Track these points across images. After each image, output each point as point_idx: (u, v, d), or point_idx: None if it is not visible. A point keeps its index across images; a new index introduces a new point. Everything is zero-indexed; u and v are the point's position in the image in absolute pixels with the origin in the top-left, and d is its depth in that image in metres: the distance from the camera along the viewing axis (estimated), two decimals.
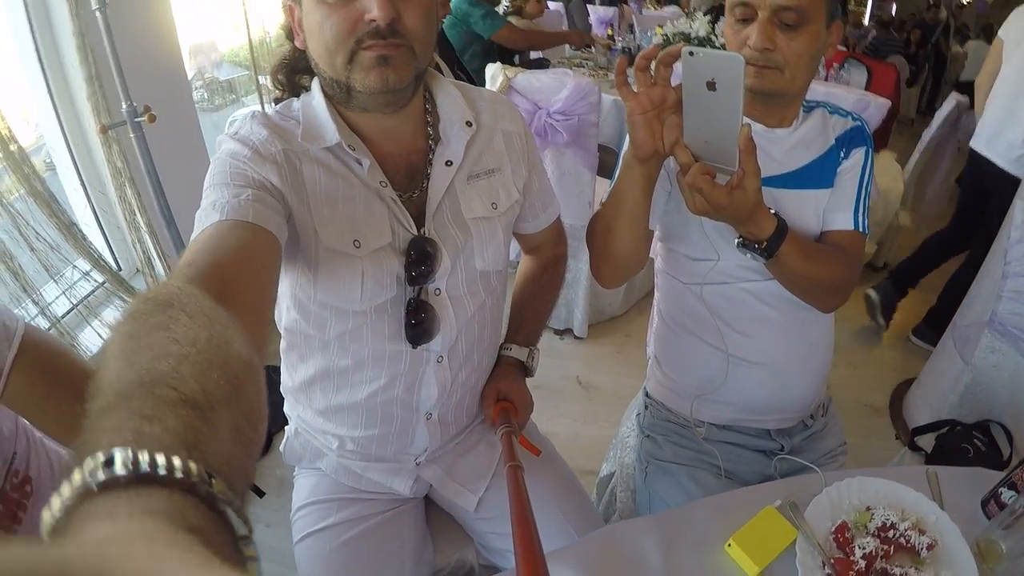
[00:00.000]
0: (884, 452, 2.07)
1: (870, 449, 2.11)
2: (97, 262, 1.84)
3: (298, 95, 0.88)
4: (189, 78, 2.39)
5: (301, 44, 0.84)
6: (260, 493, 1.58)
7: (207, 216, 0.69)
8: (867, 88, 2.92)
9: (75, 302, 1.85)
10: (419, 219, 0.88)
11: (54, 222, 1.69)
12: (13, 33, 1.76)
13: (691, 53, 0.75)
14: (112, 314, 1.96)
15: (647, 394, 1.30)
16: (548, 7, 4.26)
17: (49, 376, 0.83)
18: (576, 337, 2.60)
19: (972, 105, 2.72)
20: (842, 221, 1.06)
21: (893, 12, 10.18)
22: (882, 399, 2.39)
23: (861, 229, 1.06)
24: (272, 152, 0.80)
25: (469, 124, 0.91)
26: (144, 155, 1.79)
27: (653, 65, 0.81)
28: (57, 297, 1.80)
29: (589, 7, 4.98)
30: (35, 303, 1.69)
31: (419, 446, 1.03)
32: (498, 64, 2.15)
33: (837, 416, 1.28)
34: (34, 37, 1.77)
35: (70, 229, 1.74)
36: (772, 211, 0.90)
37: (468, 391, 1.04)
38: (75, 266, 1.85)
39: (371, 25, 0.74)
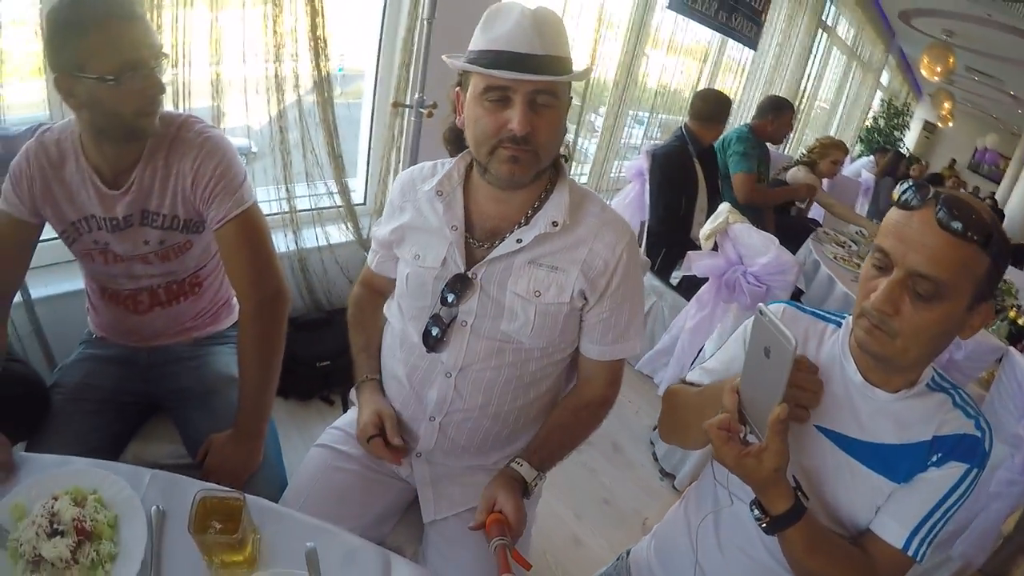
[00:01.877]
0: None
1: None
2: (343, 189, 2.38)
3: (458, 151, 1.15)
4: None
5: (460, 124, 1.07)
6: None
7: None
8: None
9: (313, 207, 2.39)
10: (475, 264, 1.09)
11: (327, 147, 2.26)
12: (373, 10, 2.37)
13: (761, 312, 0.79)
14: (335, 230, 2.49)
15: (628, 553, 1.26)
16: (843, 172, 4.08)
17: (247, 244, 1.24)
18: (674, 488, 2.38)
19: None
20: (893, 533, 0.88)
21: None
22: None
23: (911, 554, 0.87)
24: (395, 205, 1.19)
25: (555, 224, 1.06)
26: (415, 136, 2.21)
27: None
28: (302, 197, 2.34)
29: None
30: (287, 191, 2.26)
31: (422, 440, 1.18)
32: (729, 207, 2.18)
33: None
34: (383, 20, 2.36)
35: (336, 158, 2.29)
36: (795, 496, 0.85)
37: (472, 423, 1.16)
38: (326, 184, 2.38)
39: (511, 132, 0.97)
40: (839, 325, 0.98)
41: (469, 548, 1.10)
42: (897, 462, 0.89)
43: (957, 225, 0.76)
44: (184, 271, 1.33)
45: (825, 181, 3.50)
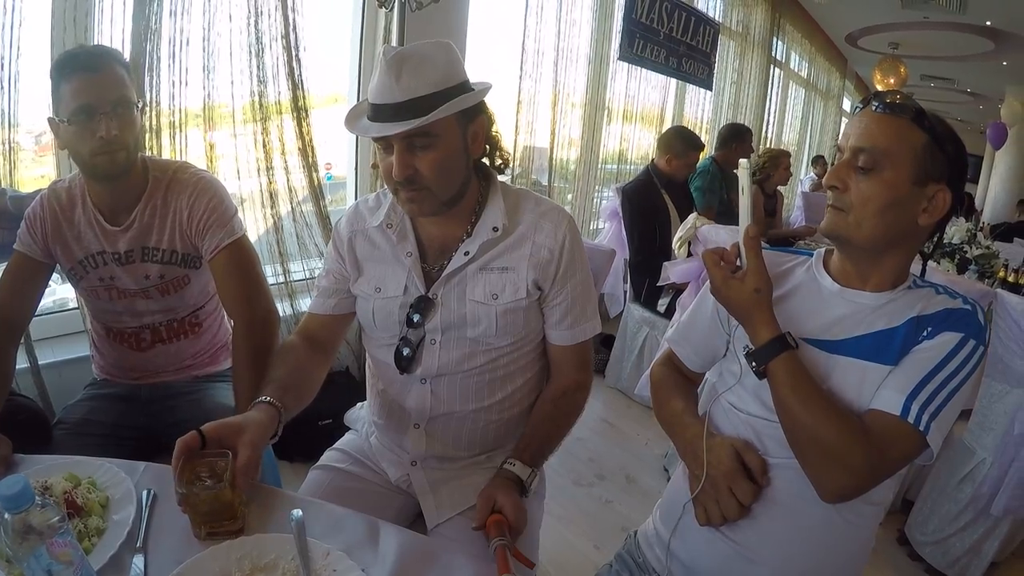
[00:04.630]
0: None
1: None
2: None
3: None
4: None
5: None
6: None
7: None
8: None
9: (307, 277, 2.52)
10: (433, 284, 1.13)
11: (323, 231, 2.43)
12: None
13: (741, 166, 0.97)
14: None
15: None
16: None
17: (239, 269, 1.33)
18: None
19: None
20: (889, 401, 0.85)
21: None
22: None
23: (912, 420, 0.82)
24: (342, 237, 1.19)
25: (495, 229, 1.11)
26: None
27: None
28: (297, 271, 2.48)
29: None
30: (283, 267, 2.39)
31: (412, 448, 1.20)
32: (696, 214, 2.29)
33: None
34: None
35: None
36: (779, 328, 0.91)
37: (456, 424, 1.18)
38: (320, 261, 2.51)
39: (394, 178, 1.01)
40: (809, 255, 1.05)
41: (473, 545, 1.09)
42: (886, 344, 0.90)
43: (884, 106, 0.89)
44: (184, 308, 1.42)
45: (799, 197, 3.63)
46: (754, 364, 0.92)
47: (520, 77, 2.97)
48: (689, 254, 2.23)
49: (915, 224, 0.91)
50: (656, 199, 2.93)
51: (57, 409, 1.66)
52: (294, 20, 2.10)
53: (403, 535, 0.89)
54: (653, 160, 3.06)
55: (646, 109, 4.09)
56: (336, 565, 0.81)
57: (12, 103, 1.65)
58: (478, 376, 1.16)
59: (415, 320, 1.13)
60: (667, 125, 4.30)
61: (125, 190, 1.28)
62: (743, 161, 0.97)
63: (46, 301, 1.39)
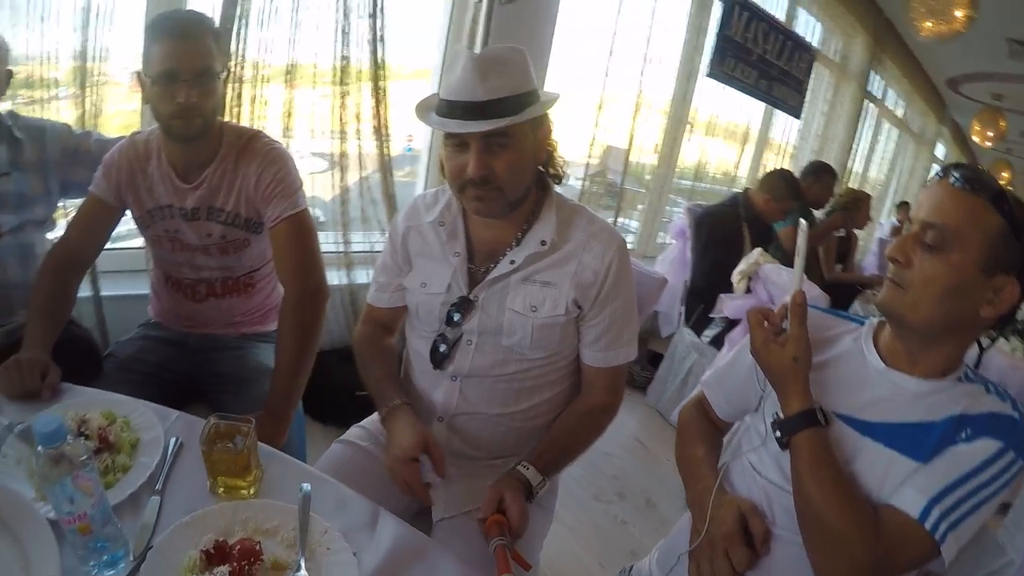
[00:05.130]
0: None
1: None
2: None
3: None
4: None
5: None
6: None
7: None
8: None
9: (368, 251, 2.58)
10: (476, 286, 1.14)
11: (387, 208, 2.47)
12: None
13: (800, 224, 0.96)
14: None
15: None
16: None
17: (297, 241, 1.38)
18: None
19: None
20: (909, 501, 0.79)
21: None
22: None
23: (929, 527, 0.77)
24: (398, 231, 1.23)
25: (543, 243, 1.12)
26: None
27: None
28: (358, 243, 2.54)
29: None
30: (344, 236, 2.46)
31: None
32: (760, 250, 2.20)
33: None
34: None
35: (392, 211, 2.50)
36: (812, 403, 0.88)
37: (478, 424, 1.19)
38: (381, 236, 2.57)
39: (469, 175, 1.03)
40: (861, 323, 1.00)
41: (474, 543, 1.10)
42: (921, 439, 0.84)
43: (962, 180, 0.83)
44: (240, 268, 1.48)
45: (876, 243, 3.42)
46: (778, 433, 0.89)
47: (605, 78, 2.94)
48: (748, 290, 2.14)
49: (976, 314, 0.84)
50: (737, 230, 2.82)
51: (112, 340, 1.79)
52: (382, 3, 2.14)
53: (401, 527, 0.91)
54: (747, 191, 2.94)
55: (730, 126, 3.95)
56: (331, 543, 0.83)
57: (96, 39, 1.72)
58: (507, 383, 1.17)
59: (455, 319, 1.14)
60: (751, 146, 4.15)
61: (198, 151, 1.35)
62: (802, 222, 0.94)
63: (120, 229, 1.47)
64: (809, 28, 4.31)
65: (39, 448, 0.69)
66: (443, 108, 1.03)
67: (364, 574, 0.81)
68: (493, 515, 1.03)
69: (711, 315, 2.40)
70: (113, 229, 1.42)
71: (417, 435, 1.07)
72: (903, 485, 0.82)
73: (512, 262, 1.12)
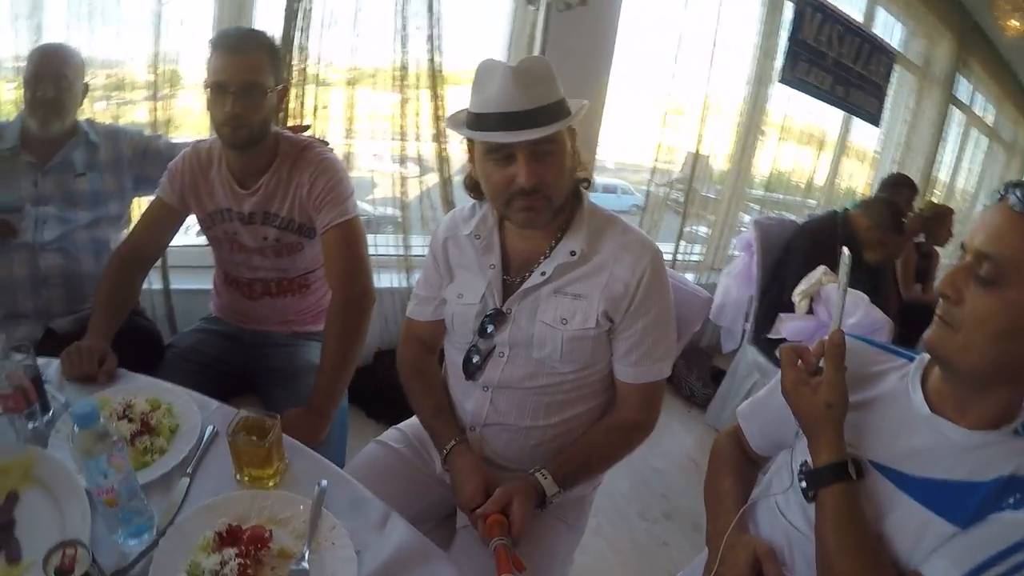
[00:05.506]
0: None
1: None
2: None
3: (483, 196, 1.18)
4: None
5: (474, 173, 1.13)
6: None
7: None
8: None
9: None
10: (509, 298, 1.14)
11: (445, 209, 2.52)
12: None
13: (843, 254, 0.86)
14: None
15: None
16: None
17: (346, 247, 1.44)
18: None
19: None
20: (939, 573, 0.73)
21: None
22: None
23: None
24: (438, 241, 1.25)
25: (573, 253, 1.10)
26: None
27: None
28: (416, 247, 2.59)
29: None
30: (404, 235, 2.55)
31: None
32: (825, 268, 2.06)
33: None
34: None
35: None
36: (844, 456, 0.80)
37: (508, 435, 1.19)
38: None
39: (519, 186, 1.02)
40: (911, 360, 0.89)
41: (486, 556, 1.10)
42: (961, 501, 0.76)
43: (1023, 202, 0.71)
44: (295, 270, 1.57)
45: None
46: (804, 484, 0.83)
47: (671, 82, 2.87)
48: (810, 310, 2.00)
49: None
50: (831, 249, 2.63)
51: (180, 327, 1.93)
52: (439, 11, 2.20)
53: (409, 532, 0.92)
54: (848, 213, 2.75)
55: (807, 131, 3.73)
56: (336, 539, 0.86)
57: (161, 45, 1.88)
58: (537, 396, 1.16)
59: (488, 331, 1.15)
60: (827, 153, 3.89)
61: (254, 159, 1.44)
62: (845, 251, 0.84)
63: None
64: (888, 29, 3.98)
65: (75, 428, 0.76)
66: (484, 121, 1.02)
67: (363, 572, 0.83)
68: (495, 515, 1.03)
69: (768, 335, 2.26)
70: (176, 230, 1.53)
71: (477, 481, 1.09)
72: (936, 553, 0.74)
73: (543, 273, 1.12)
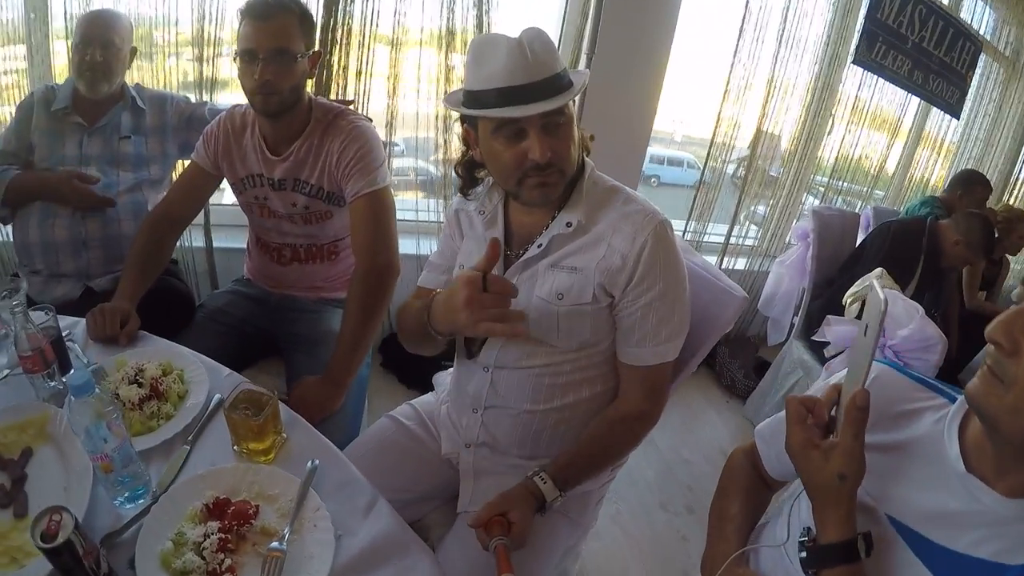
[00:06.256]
0: None
1: None
2: None
3: (475, 184, 1.17)
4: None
5: (479, 157, 1.09)
6: None
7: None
8: None
9: None
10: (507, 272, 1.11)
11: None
12: None
13: (873, 288, 0.70)
14: None
15: None
16: None
17: (372, 218, 1.43)
18: None
19: None
20: None
21: None
22: None
23: None
24: (453, 210, 1.23)
25: (569, 225, 1.06)
26: None
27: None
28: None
29: None
30: (444, 199, 2.53)
31: (468, 431, 1.24)
32: (881, 270, 1.90)
33: None
34: None
35: None
36: (854, 534, 0.71)
37: (510, 419, 1.17)
38: None
39: (533, 161, 0.98)
40: (952, 400, 0.77)
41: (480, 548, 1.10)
42: None
43: None
44: (324, 237, 1.58)
45: None
46: (804, 556, 0.74)
47: (732, 63, 2.68)
48: (860, 315, 1.86)
49: None
50: (915, 257, 2.42)
51: (221, 285, 1.99)
52: None
53: (393, 520, 0.92)
54: (939, 218, 2.55)
55: (880, 116, 3.42)
56: (319, 521, 0.87)
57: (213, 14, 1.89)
58: (537, 377, 1.13)
59: None
60: (900, 141, 3.56)
61: (287, 126, 1.44)
62: (874, 283, 0.71)
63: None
64: (977, 15, 3.54)
65: (70, 397, 0.79)
66: (486, 98, 0.97)
67: (340, 557, 0.84)
68: (496, 516, 1.00)
69: (813, 337, 2.12)
70: (211, 193, 1.57)
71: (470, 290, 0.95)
72: None
73: (540, 245, 1.08)
